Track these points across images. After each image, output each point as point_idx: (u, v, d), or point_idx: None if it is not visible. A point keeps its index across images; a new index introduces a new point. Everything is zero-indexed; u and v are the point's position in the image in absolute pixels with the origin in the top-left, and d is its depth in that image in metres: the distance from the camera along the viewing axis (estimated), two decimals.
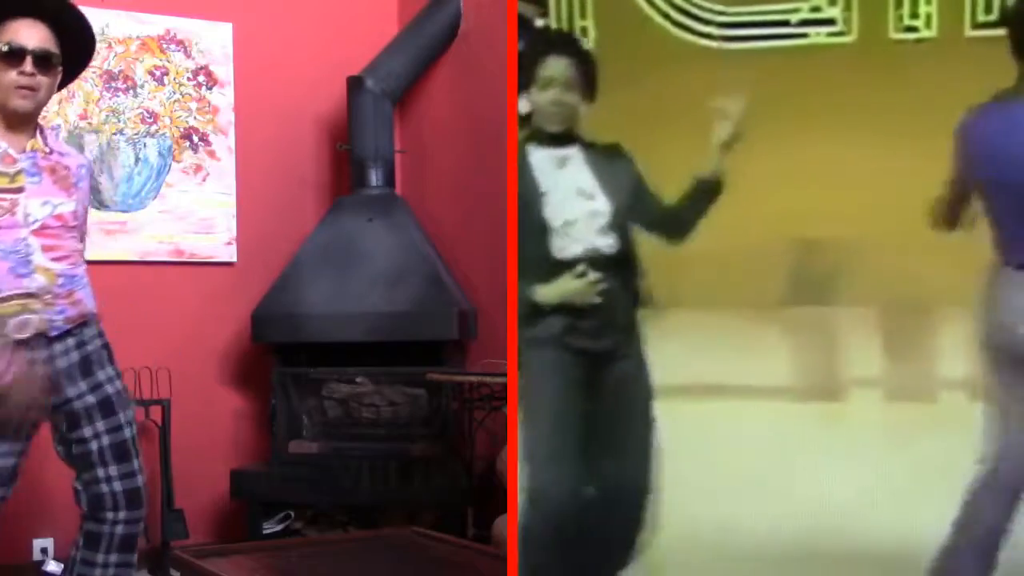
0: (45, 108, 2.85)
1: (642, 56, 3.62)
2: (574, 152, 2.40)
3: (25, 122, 2.73)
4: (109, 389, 2.78)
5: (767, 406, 2.83)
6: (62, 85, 2.85)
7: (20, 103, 2.67)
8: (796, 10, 4.09)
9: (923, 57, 3.50)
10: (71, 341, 2.72)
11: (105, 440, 2.75)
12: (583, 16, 3.86)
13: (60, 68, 2.75)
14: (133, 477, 2.77)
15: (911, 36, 3.99)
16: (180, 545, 4.01)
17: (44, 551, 4.20)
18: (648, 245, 2.39)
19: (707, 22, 4.03)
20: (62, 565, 4.04)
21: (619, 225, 2.36)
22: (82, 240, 2.89)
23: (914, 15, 4.01)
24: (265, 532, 4.37)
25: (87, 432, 2.73)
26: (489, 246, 4.20)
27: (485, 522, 3.86)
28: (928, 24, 3.91)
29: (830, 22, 4.16)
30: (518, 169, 2.36)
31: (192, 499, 4.37)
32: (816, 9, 4.12)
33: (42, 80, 2.68)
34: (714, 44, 4.06)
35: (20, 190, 2.68)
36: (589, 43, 2.71)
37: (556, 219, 2.34)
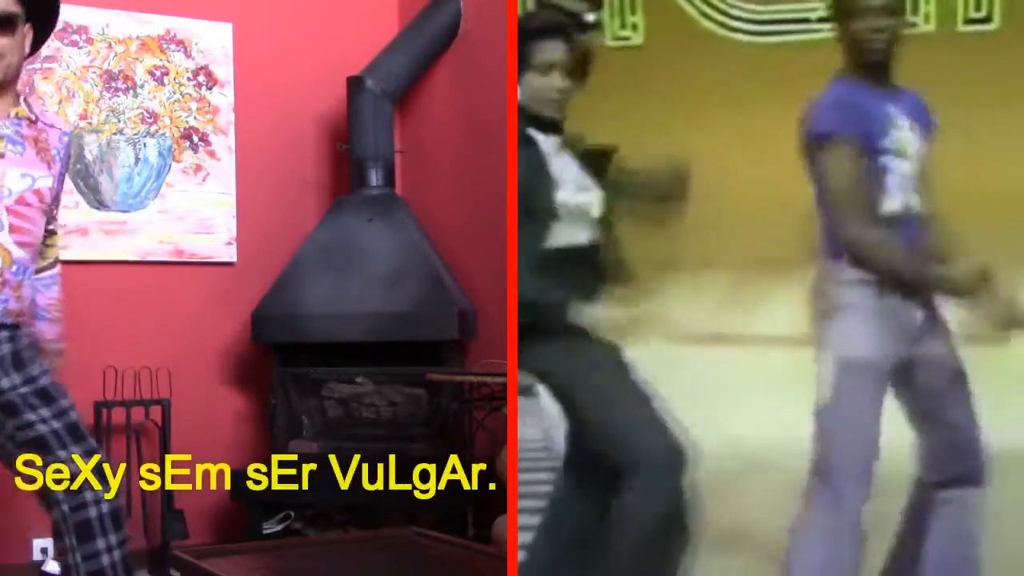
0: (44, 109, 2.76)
1: (683, 47, 4.02)
2: (560, 142, 2.34)
3: (1, 89, 2.60)
4: (43, 381, 2.65)
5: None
6: (37, 44, 2.72)
7: None
8: (814, 9, 4.81)
9: (923, 48, 3.84)
10: (4, 334, 2.60)
11: (55, 424, 2.61)
12: (633, 12, 4.28)
13: (26, 27, 2.62)
14: (95, 453, 2.63)
15: (913, 31, 4.55)
16: (180, 545, 4.01)
17: (44, 551, 4.20)
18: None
19: (739, 19, 4.63)
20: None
21: (604, 218, 2.31)
22: (51, 222, 2.77)
23: (915, 12, 4.72)
24: (265, 532, 4.37)
25: (32, 417, 2.60)
26: (489, 246, 4.20)
27: (485, 522, 3.86)
28: (928, 20, 4.59)
29: None
30: (528, 155, 2.30)
31: (192, 499, 4.36)
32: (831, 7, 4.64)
33: (5, 43, 2.55)
34: (745, 38, 4.65)
35: (0, 156, 2.56)
36: (588, 25, 2.65)
37: (568, 204, 2.28)
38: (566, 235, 2.27)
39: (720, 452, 2.48)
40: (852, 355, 2.21)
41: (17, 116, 2.63)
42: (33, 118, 2.66)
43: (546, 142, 2.31)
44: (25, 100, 2.68)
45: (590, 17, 2.32)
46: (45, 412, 2.63)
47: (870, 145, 2.23)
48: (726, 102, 2.27)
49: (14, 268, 2.58)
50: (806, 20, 4.93)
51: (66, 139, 2.74)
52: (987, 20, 4.32)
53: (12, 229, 2.57)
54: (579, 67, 2.31)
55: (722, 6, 4.63)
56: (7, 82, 2.62)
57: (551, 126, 2.31)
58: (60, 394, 2.68)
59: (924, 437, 2.29)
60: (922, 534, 2.32)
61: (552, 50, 2.27)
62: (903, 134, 2.25)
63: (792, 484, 2.21)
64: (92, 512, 2.62)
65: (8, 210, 2.56)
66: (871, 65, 2.26)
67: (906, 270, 2.21)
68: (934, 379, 2.26)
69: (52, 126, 2.72)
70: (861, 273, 2.21)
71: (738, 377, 2.25)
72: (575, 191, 2.29)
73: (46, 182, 2.64)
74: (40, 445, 2.62)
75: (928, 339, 2.25)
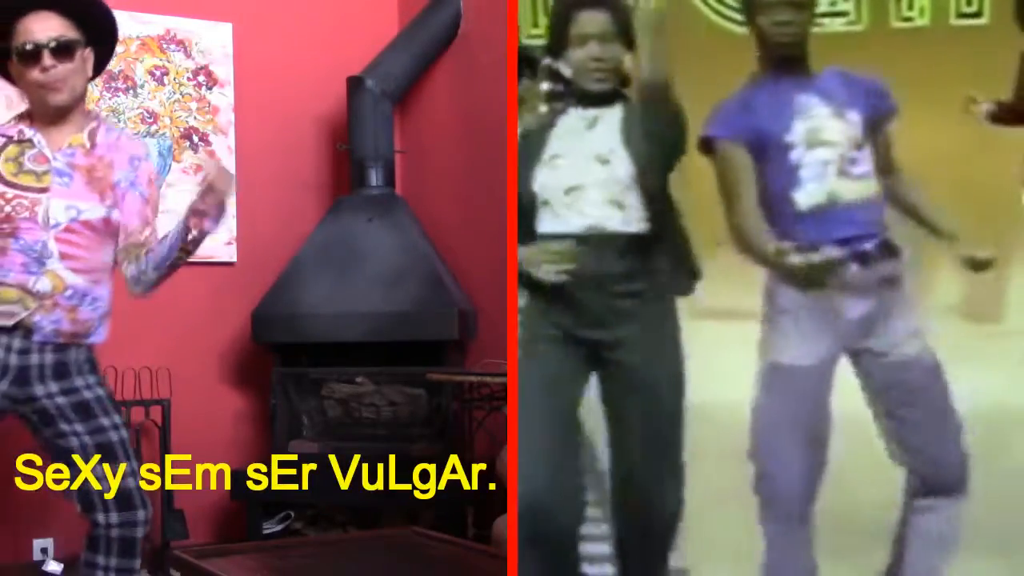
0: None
1: (693, 42, 4.15)
2: (611, 111, 2.27)
3: (65, 114, 2.63)
4: (87, 394, 2.65)
5: None
6: (100, 66, 2.74)
7: (53, 97, 2.59)
8: (816, 4, 4.95)
9: (918, 41, 4.36)
10: (50, 346, 2.61)
11: (88, 440, 2.64)
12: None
13: (87, 50, 2.65)
14: (122, 479, 2.65)
15: (908, 25, 5.11)
16: (180, 545, 4.01)
17: (44, 551, 4.20)
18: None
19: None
20: (62, 565, 4.06)
21: (641, 190, 2.20)
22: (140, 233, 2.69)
23: (911, 7, 5.13)
24: (265, 532, 4.37)
25: (65, 428, 2.63)
26: (489, 246, 4.20)
27: (485, 522, 3.86)
28: (922, 14, 4.93)
29: (844, 14, 5.36)
30: (540, 132, 2.29)
31: (192, 499, 4.36)
32: (833, 3, 5.24)
33: (67, 69, 2.58)
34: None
35: (45, 190, 2.58)
36: None
37: (561, 185, 2.22)
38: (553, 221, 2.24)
39: (726, 419, 2.53)
40: (780, 360, 2.18)
41: (71, 145, 2.64)
42: (89, 145, 2.65)
43: (582, 116, 2.28)
44: (94, 126, 2.68)
45: None
46: (79, 427, 2.64)
47: (767, 143, 2.19)
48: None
49: (68, 292, 2.59)
50: None
51: (139, 163, 2.71)
52: (978, 15, 4.55)
53: (63, 256, 2.58)
54: (624, 35, 2.25)
55: (733, 3, 4.88)
56: (71, 107, 2.64)
57: (598, 98, 2.27)
58: (104, 411, 2.67)
59: (895, 442, 2.22)
60: (903, 544, 2.28)
61: (588, 22, 2.23)
62: (816, 123, 2.19)
63: None
64: (100, 532, 2.68)
65: (57, 239, 2.57)
66: (782, 59, 2.22)
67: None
68: (894, 376, 2.18)
69: (120, 150, 2.69)
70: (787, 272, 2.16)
71: (747, 349, 2.29)
72: (583, 170, 2.23)
73: (96, 213, 2.62)
74: (67, 457, 2.66)
75: (878, 334, 2.18)
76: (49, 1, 2.59)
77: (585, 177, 2.23)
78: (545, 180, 2.24)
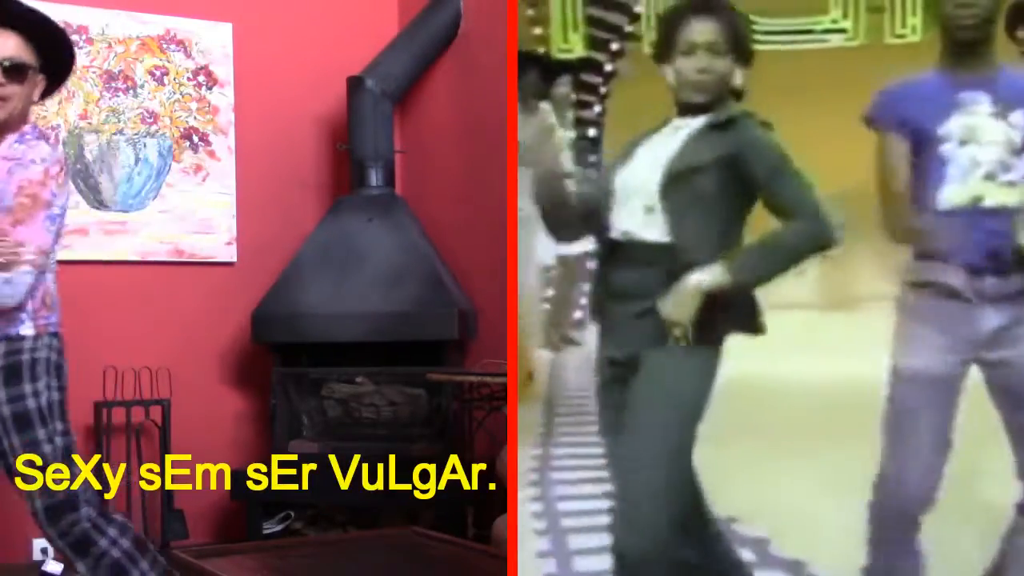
0: (44, 109, 2.73)
1: None
2: (697, 120, 2.11)
3: None
4: (30, 403, 2.62)
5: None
6: (48, 92, 2.75)
7: None
8: (819, 22, 6.12)
9: (909, 55, 4.68)
10: (1, 348, 2.60)
11: (22, 453, 2.61)
12: None
13: (38, 75, 2.65)
14: (45, 495, 2.61)
15: (901, 41, 5.75)
16: (180, 545, 4.02)
17: (44, 551, 4.20)
18: None
19: (755, 31, 5.20)
20: (62, 565, 4.05)
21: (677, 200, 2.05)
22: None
23: (903, 25, 5.80)
24: (265, 532, 4.37)
25: (4, 444, 2.62)
26: (489, 246, 4.20)
27: (485, 522, 3.86)
28: (914, 32, 5.60)
29: (844, 31, 6.13)
30: (638, 140, 2.17)
31: (192, 499, 4.37)
32: (834, 21, 6.10)
33: (12, 90, 2.58)
34: (761, 48, 5.19)
35: None
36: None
37: (627, 187, 2.10)
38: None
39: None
40: (902, 364, 2.11)
41: None
42: None
43: (675, 126, 2.14)
44: (9, 136, 2.65)
45: None
46: (15, 440, 2.62)
47: (921, 133, 2.10)
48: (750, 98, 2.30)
49: None
50: (811, 31, 6.17)
51: (15, 170, 2.58)
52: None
53: None
54: (734, 46, 2.11)
55: None
56: (6, 127, 2.62)
57: (698, 110, 2.12)
58: (44, 421, 2.63)
59: (1017, 454, 2.10)
60: (1008, 562, 2.16)
61: (696, 30, 2.10)
62: (974, 120, 2.07)
63: None
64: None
65: None
66: (962, 45, 2.11)
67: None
68: (1019, 387, 2.06)
69: (9, 163, 2.61)
70: (920, 273, 2.09)
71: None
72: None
73: None
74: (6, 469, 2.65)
75: (1008, 343, 2.06)
76: (11, 21, 2.59)
77: (638, 181, 2.11)
78: (619, 181, 2.14)
